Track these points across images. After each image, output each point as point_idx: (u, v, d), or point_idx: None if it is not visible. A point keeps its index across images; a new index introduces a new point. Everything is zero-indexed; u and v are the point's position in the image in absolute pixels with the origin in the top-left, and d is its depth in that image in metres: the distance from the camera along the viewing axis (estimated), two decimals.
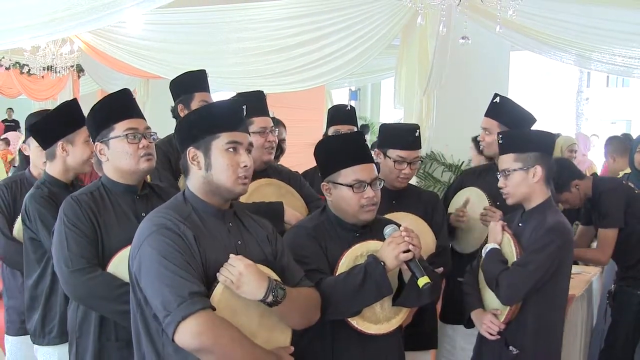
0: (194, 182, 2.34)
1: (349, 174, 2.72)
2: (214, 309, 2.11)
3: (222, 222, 2.35)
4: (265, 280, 2.19)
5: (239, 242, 2.35)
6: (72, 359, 2.80)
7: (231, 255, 2.22)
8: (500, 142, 3.14)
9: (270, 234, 2.49)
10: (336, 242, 2.77)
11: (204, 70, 3.85)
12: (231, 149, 2.28)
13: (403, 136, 3.51)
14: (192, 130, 2.33)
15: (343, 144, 2.84)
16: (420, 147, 3.54)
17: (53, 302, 3.20)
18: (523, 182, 3.07)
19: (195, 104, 3.70)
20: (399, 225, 2.71)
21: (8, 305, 3.67)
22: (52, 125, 3.28)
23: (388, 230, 2.68)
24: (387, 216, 3.17)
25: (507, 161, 3.10)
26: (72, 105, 3.36)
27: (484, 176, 3.90)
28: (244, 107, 2.40)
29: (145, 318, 2.23)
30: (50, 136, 3.27)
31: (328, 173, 2.79)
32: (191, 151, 2.31)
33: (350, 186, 2.71)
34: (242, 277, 2.16)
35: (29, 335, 3.40)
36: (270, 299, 2.19)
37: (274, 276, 2.29)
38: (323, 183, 2.83)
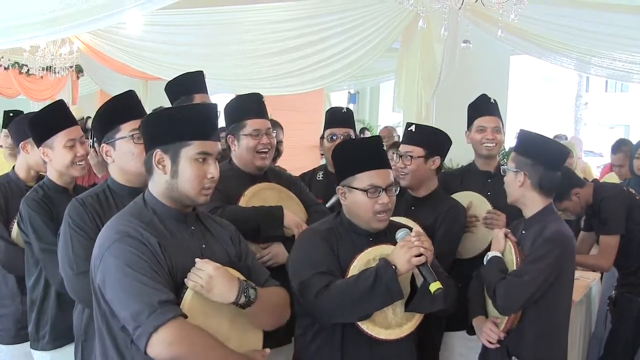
0: (156, 185, 2.28)
1: (364, 179, 2.72)
2: (185, 316, 2.06)
3: (185, 225, 2.31)
4: (235, 282, 2.16)
5: (203, 246, 2.31)
6: None
7: (197, 260, 2.18)
8: (517, 138, 3.16)
9: (233, 235, 2.45)
10: (349, 246, 2.76)
11: (202, 72, 3.82)
12: (200, 159, 2.22)
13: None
14: (162, 131, 2.24)
15: (360, 148, 2.84)
16: (414, 143, 3.54)
17: (45, 307, 3.18)
18: (511, 183, 3.09)
19: None
20: (411, 229, 2.69)
21: (1, 314, 3.57)
22: (34, 130, 3.24)
23: (400, 234, 2.67)
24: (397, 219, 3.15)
25: (510, 159, 3.14)
26: (51, 109, 3.27)
27: (466, 181, 3.90)
28: (218, 112, 2.36)
29: (112, 331, 2.16)
30: (35, 140, 3.25)
31: (344, 177, 2.79)
32: (158, 154, 2.23)
33: (365, 191, 2.70)
34: (212, 281, 2.12)
35: (25, 343, 3.36)
36: (242, 300, 2.16)
37: (243, 278, 2.25)
38: (338, 187, 2.82)
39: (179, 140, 2.21)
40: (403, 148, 3.57)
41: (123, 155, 2.70)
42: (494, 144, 3.79)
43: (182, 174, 2.21)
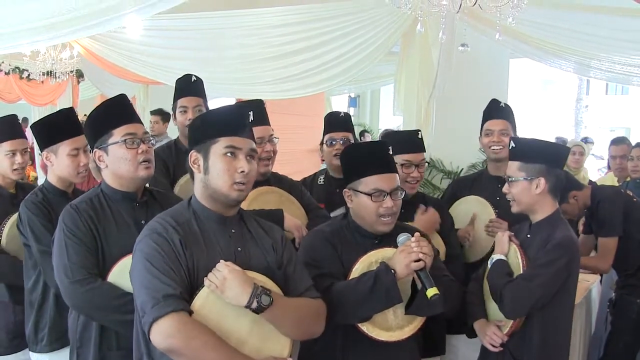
0: (196, 186, 2.38)
1: (369, 183, 2.76)
2: (191, 312, 2.13)
3: (224, 228, 2.36)
4: (249, 286, 2.19)
5: (239, 249, 2.35)
6: None
7: (221, 261, 2.23)
8: (511, 147, 3.13)
9: (276, 243, 2.48)
10: (353, 248, 2.79)
11: (189, 75, 3.80)
12: (229, 154, 2.28)
13: (406, 140, 3.58)
14: (195, 133, 2.37)
15: (366, 152, 2.88)
16: (424, 150, 3.60)
17: (44, 310, 3.20)
18: (525, 191, 3.05)
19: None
20: (413, 233, 2.70)
21: None
22: (40, 133, 3.27)
23: (401, 238, 2.70)
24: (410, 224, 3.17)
25: (512, 168, 3.10)
26: (61, 116, 3.31)
27: (476, 186, 3.91)
28: (250, 112, 2.40)
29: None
30: (40, 143, 3.28)
31: (350, 180, 2.83)
32: (193, 154, 2.34)
33: (370, 195, 2.74)
34: (226, 282, 2.18)
35: (18, 353, 3.39)
36: (254, 305, 2.19)
37: (269, 284, 2.28)
38: (345, 190, 2.86)
39: (209, 139, 2.31)
40: None
41: (116, 161, 2.70)
42: (501, 147, 3.79)
43: (213, 170, 2.30)
